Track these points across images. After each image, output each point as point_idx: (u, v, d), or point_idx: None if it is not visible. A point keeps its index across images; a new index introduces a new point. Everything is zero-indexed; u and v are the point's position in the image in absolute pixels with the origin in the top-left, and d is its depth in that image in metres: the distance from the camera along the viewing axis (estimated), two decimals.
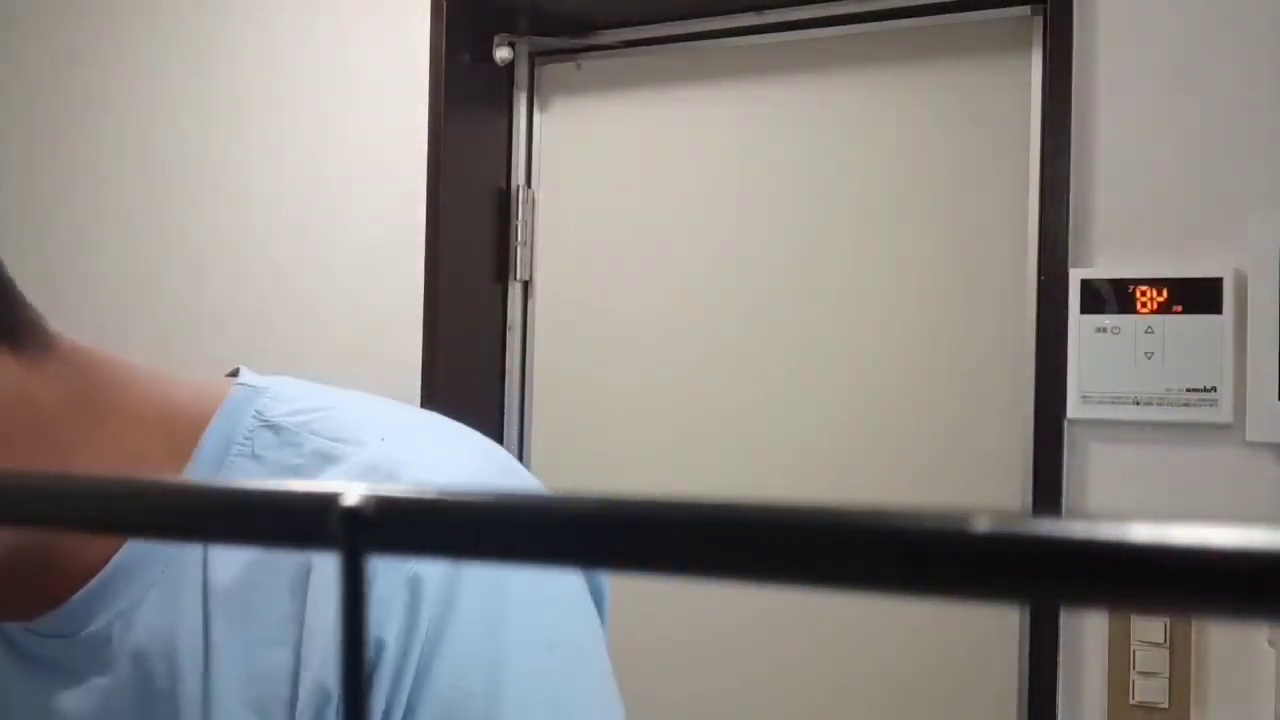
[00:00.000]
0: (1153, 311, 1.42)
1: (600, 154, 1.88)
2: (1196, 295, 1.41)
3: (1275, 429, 1.36)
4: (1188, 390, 1.41)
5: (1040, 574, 0.15)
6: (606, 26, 1.84)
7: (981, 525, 0.15)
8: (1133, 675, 1.41)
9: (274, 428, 0.59)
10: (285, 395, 0.60)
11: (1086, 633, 1.46)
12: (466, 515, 0.18)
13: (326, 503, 0.18)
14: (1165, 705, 1.40)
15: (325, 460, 0.57)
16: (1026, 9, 1.58)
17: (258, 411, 0.59)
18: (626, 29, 1.83)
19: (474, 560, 0.18)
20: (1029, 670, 1.50)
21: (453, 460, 0.59)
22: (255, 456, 0.58)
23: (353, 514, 0.18)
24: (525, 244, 1.91)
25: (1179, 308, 1.41)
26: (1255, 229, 1.38)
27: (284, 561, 0.56)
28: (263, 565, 0.56)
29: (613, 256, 1.86)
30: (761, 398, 1.73)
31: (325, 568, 0.54)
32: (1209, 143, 1.42)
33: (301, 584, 0.55)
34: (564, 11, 1.86)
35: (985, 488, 1.60)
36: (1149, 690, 1.40)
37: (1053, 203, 1.48)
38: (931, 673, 1.63)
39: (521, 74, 1.92)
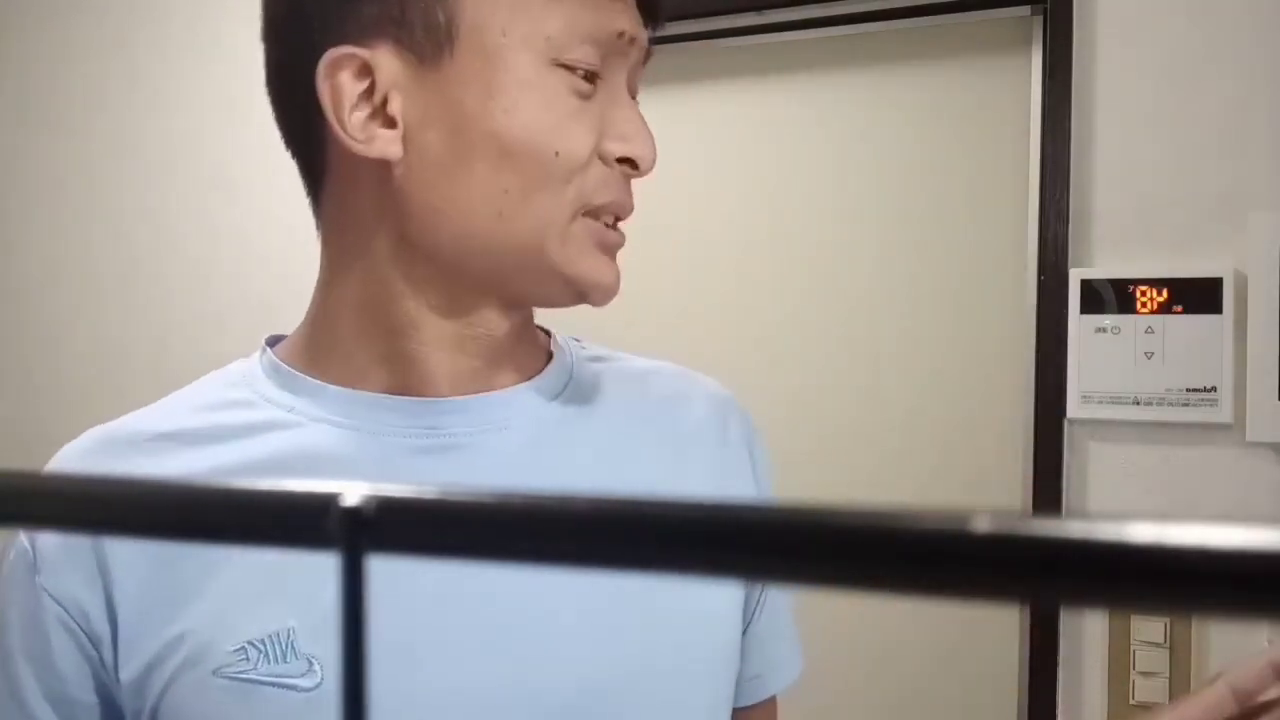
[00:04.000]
0: (1153, 311, 1.42)
1: None
2: (1196, 295, 1.41)
3: (1275, 429, 1.36)
4: (1188, 390, 1.41)
5: (1040, 574, 0.15)
6: None
7: (981, 525, 0.15)
8: (1133, 675, 1.41)
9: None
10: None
11: (1086, 633, 1.46)
12: (466, 515, 0.18)
13: (326, 503, 0.18)
14: (1165, 705, 1.40)
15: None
16: (1026, 9, 1.58)
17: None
18: None
19: (474, 560, 0.18)
20: (1029, 670, 1.50)
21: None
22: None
23: (353, 514, 0.18)
24: None
25: (1179, 308, 1.41)
26: (1255, 229, 1.38)
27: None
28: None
29: None
30: (758, 398, 1.72)
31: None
32: (1209, 143, 1.42)
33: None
34: None
35: (985, 488, 1.60)
36: (1149, 690, 1.40)
37: (1053, 203, 1.48)
38: (931, 673, 1.63)
39: None
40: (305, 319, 0.68)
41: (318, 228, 0.68)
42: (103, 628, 0.59)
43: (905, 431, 1.66)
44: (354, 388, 0.64)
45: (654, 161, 0.66)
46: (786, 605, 0.80)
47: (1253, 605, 0.14)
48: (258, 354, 0.68)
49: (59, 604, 0.59)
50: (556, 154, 0.60)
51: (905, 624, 1.64)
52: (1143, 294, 1.43)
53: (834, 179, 1.73)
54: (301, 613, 0.58)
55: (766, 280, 1.76)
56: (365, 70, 0.60)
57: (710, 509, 0.16)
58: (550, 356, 0.71)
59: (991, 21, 1.63)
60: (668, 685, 0.64)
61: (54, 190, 2.20)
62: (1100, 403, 1.45)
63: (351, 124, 0.60)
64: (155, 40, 2.13)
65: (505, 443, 0.65)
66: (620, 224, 0.67)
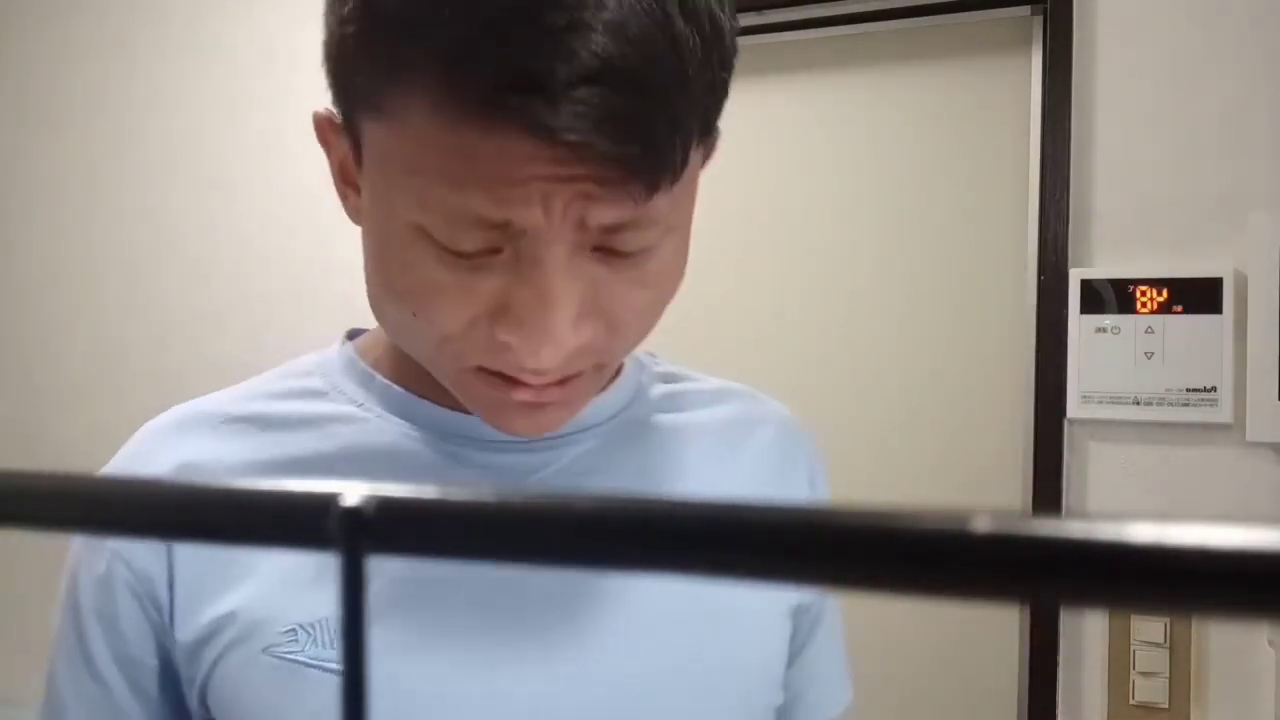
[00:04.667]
0: (1153, 311, 1.42)
1: None
2: (1196, 295, 1.41)
3: (1275, 429, 1.36)
4: (1188, 390, 1.41)
5: (1040, 574, 0.15)
6: None
7: (981, 525, 0.15)
8: (1133, 675, 1.41)
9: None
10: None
11: (1086, 633, 1.46)
12: (466, 515, 0.18)
13: (326, 503, 0.18)
14: (1165, 705, 1.40)
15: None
16: (1026, 9, 1.58)
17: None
18: None
19: (474, 561, 0.18)
20: (1029, 670, 1.50)
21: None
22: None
23: (353, 514, 0.18)
24: None
25: (1179, 308, 1.41)
26: (1255, 229, 1.38)
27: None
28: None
29: None
30: None
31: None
32: (1209, 143, 1.42)
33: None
34: None
35: (985, 488, 1.60)
36: (1149, 690, 1.40)
37: (1053, 203, 1.48)
38: (931, 673, 1.63)
39: None
40: None
41: None
42: (164, 594, 0.61)
43: (905, 431, 1.67)
44: (417, 391, 0.65)
45: (549, 362, 0.53)
46: (839, 637, 0.80)
47: (1253, 605, 0.14)
48: (336, 345, 0.70)
49: (128, 568, 0.61)
50: (415, 317, 0.54)
51: (905, 624, 1.64)
52: (1143, 294, 1.43)
53: (834, 179, 1.73)
54: None
55: (766, 280, 1.76)
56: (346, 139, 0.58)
57: (711, 509, 0.16)
58: (618, 371, 0.71)
59: (991, 21, 1.63)
60: (689, 688, 0.64)
61: (54, 190, 2.20)
62: (1100, 403, 1.45)
63: (336, 175, 0.61)
64: (155, 40, 2.13)
65: (558, 456, 0.65)
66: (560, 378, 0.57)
